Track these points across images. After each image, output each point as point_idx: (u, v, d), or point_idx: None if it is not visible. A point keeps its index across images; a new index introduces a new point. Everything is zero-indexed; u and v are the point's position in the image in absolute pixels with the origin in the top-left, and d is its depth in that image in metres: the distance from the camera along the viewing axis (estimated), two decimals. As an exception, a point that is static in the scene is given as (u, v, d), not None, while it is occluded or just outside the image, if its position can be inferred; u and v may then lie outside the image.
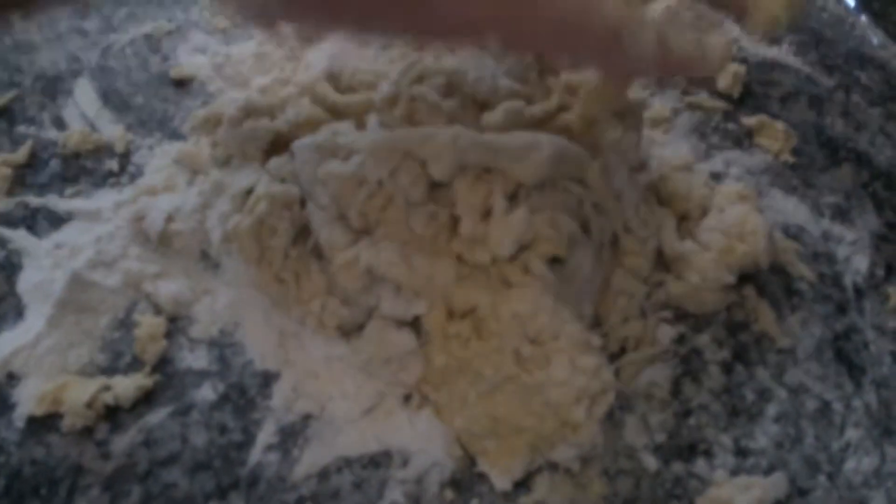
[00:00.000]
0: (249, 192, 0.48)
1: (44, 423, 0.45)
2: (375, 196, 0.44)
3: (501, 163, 0.44)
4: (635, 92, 0.50)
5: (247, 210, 0.47)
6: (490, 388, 0.43)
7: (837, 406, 0.47)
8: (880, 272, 0.53)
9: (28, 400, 0.45)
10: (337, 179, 0.45)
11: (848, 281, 0.53)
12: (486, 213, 0.44)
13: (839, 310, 0.51)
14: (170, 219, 0.50)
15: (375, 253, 0.44)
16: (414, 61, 0.48)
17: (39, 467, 0.43)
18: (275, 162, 0.48)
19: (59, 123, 0.58)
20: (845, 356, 0.49)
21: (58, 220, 0.53)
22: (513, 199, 0.44)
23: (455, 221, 0.44)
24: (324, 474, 0.44)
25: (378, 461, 0.44)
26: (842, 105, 0.62)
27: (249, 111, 0.49)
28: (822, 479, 0.45)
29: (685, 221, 0.50)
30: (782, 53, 0.65)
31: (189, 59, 0.62)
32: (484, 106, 0.47)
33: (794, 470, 0.45)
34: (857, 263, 0.53)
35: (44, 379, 0.46)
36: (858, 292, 0.52)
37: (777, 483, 0.43)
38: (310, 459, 0.44)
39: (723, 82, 0.62)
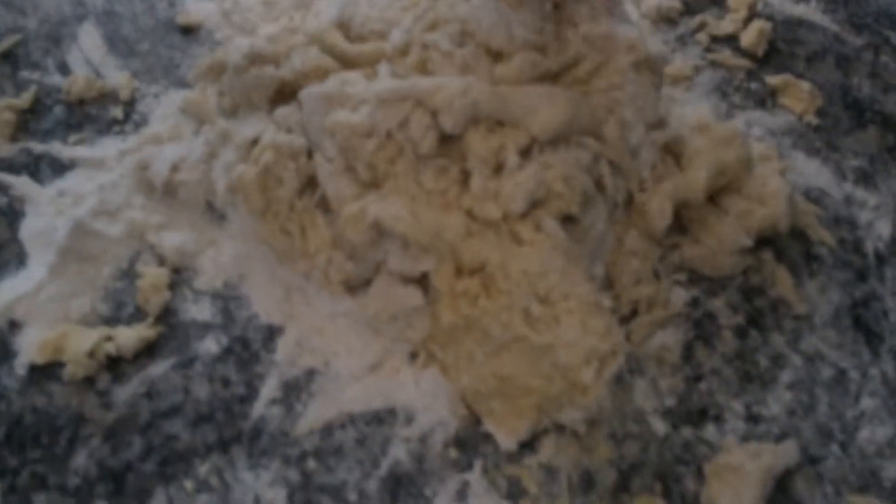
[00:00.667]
0: (255, 141, 0.47)
1: (45, 372, 0.44)
2: (384, 148, 0.43)
3: (515, 116, 0.43)
4: (655, 46, 0.48)
5: (252, 160, 0.45)
6: (497, 348, 0.42)
7: (853, 374, 0.46)
8: (903, 239, 0.52)
9: (29, 348, 0.45)
10: (345, 130, 0.43)
11: (869, 247, 0.51)
12: (498, 169, 0.43)
13: (859, 276, 0.50)
14: (175, 168, 0.49)
15: (383, 206, 0.42)
16: (426, 8, 0.46)
17: (40, 416, 0.43)
18: (281, 111, 0.47)
19: (64, 69, 0.57)
20: (863, 324, 0.48)
21: (61, 168, 0.52)
22: (526, 154, 0.43)
23: (466, 176, 0.43)
24: (327, 430, 0.43)
25: (382, 418, 0.44)
26: (870, 65, 0.60)
27: (254, 59, 0.47)
28: (834, 447, 0.44)
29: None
30: (810, 10, 0.63)
31: (196, 5, 0.61)
32: (498, 56, 0.45)
33: (807, 438, 0.44)
34: (880, 229, 0.52)
35: (45, 327, 0.45)
36: (880, 259, 0.51)
37: (788, 450, 0.43)
38: (313, 414, 0.44)
39: (747, 40, 0.60)
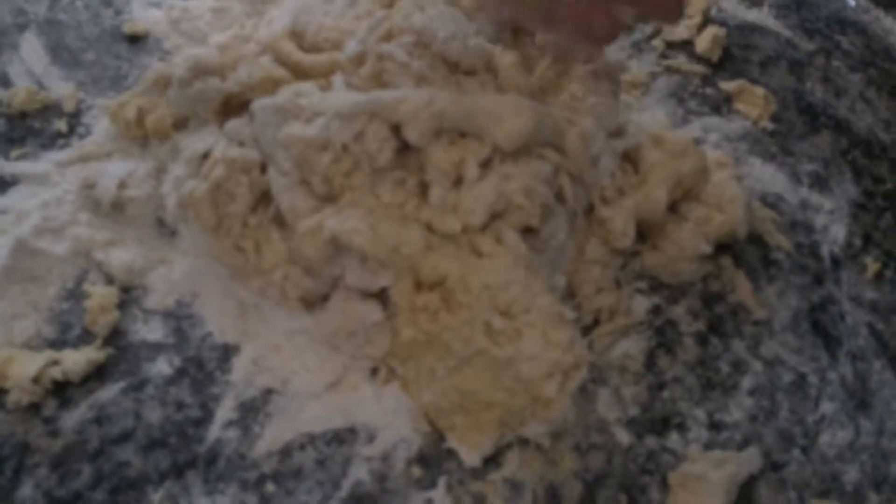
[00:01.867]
0: (206, 155, 0.45)
1: (-12, 399, 0.42)
2: (340, 161, 0.42)
3: (479, 126, 0.42)
4: (613, 54, 0.48)
5: (203, 175, 0.44)
6: (459, 362, 0.41)
7: (813, 379, 0.47)
8: (858, 242, 0.52)
9: (-30, 374, 0.43)
10: (299, 143, 0.42)
11: (825, 251, 0.52)
12: (458, 181, 0.42)
13: (816, 280, 0.50)
14: (122, 185, 0.47)
15: (340, 221, 0.41)
16: (381, 18, 0.45)
17: (-17, 445, 0.41)
18: (233, 124, 0.45)
19: (5, 80, 0.55)
20: (821, 328, 0.48)
21: (3, 184, 0.50)
22: (486, 165, 0.42)
23: (424, 188, 0.42)
24: (286, 451, 0.42)
25: (342, 437, 0.43)
26: (822, 70, 0.61)
27: (199, 71, 0.46)
28: (796, 452, 0.44)
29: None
30: (762, 16, 0.64)
31: (143, 14, 0.59)
32: (455, 67, 0.44)
33: (769, 443, 0.44)
34: (835, 233, 0.52)
35: (-13, 352, 0.43)
36: (836, 262, 0.51)
37: (751, 457, 0.43)
38: (271, 436, 0.42)
39: (701, 45, 0.60)
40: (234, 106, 0.46)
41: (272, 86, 0.47)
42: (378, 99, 0.42)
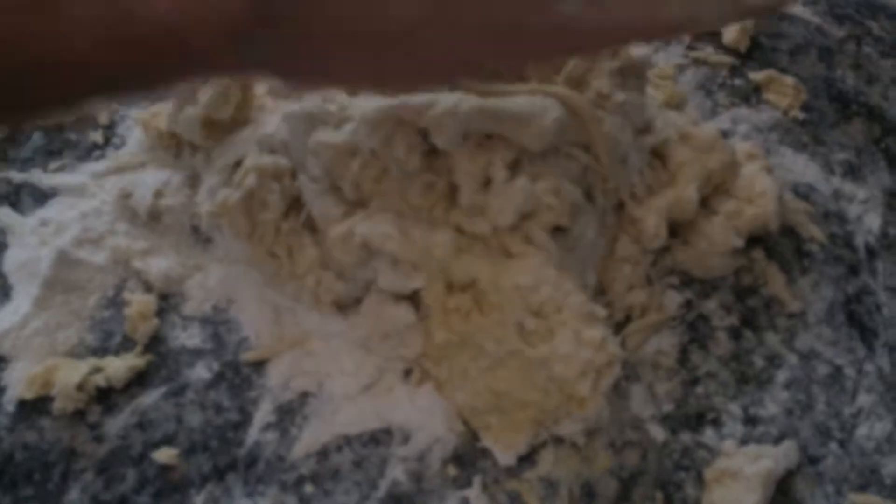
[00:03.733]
0: (238, 164, 0.46)
1: (35, 407, 0.44)
2: (369, 166, 0.42)
3: (506, 129, 0.42)
4: (638, 49, 0.48)
5: (235, 183, 0.45)
6: (492, 363, 0.41)
7: (849, 371, 0.46)
8: (893, 231, 0.51)
9: (17, 383, 0.44)
10: (329, 150, 0.43)
11: (860, 241, 0.51)
12: (486, 182, 0.42)
13: (851, 271, 0.50)
14: (158, 194, 0.48)
15: (371, 226, 0.42)
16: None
17: (32, 452, 0.42)
18: (264, 132, 0.46)
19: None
20: (857, 319, 0.48)
21: (42, 196, 0.51)
22: (514, 166, 0.42)
23: (453, 190, 0.43)
24: (323, 453, 0.43)
25: (378, 438, 0.43)
26: (853, 57, 0.60)
27: (183, 100, 0.47)
28: (833, 446, 0.44)
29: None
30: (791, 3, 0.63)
31: (173, 24, 0.60)
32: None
33: (805, 437, 0.44)
34: (870, 223, 0.52)
35: (33, 361, 0.45)
36: (871, 253, 0.50)
37: (787, 452, 0.42)
38: (309, 438, 0.43)
39: (729, 36, 0.59)
40: (220, 129, 0.47)
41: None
42: (405, 104, 0.42)
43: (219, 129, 0.47)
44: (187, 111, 0.46)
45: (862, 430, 0.44)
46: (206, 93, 0.46)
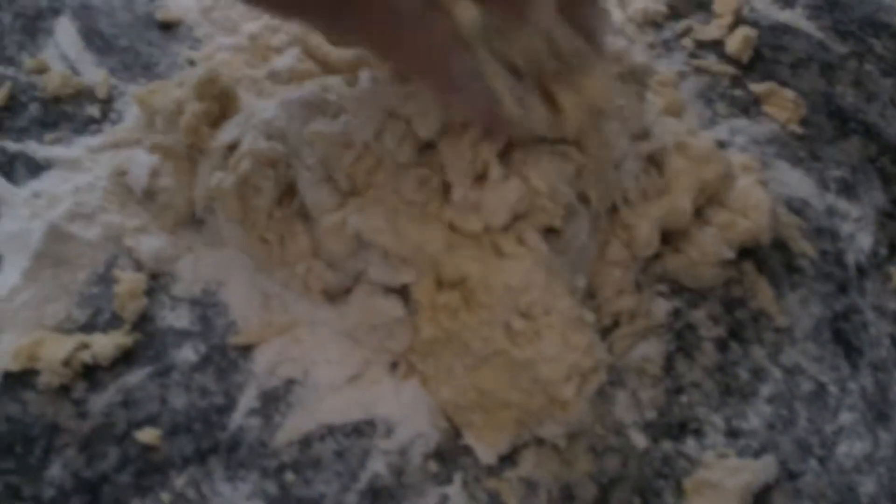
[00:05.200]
0: (233, 147, 0.46)
1: (20, 380, 0.43)
2: (363, 158, 0.42)
3: None
4: (641, 55, 0.48)
5: (230, 167, 0.45)
6: (478, 361, 0.41)
7: (833, 388, 0.46)
8: (884, 251, 0.52)
9: (3, 355, 0.44)
10: (323, 140, 0.42)
11: (850, 259, 0.51)
12: (479, 178, 0.42)
13: (840, 289, 0.50)
14: (154, 173, 0.48)
15: (363, 218, 0.42)
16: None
17: (15, 425, 0.42)
18: (261, 116, 0.46)
19: (40, 65, 0.55)
20: (843, 337, 0.48)
21: (36, 168, 0.51)
22: (505, 157, 0.42)
23: (447, 187, 0.43)
24: (306, 441, 0.43)
25: (361, 430, 0.43)
26: (854, 74, 0.60)
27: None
28: (813, 462, 0.44)
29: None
30: (795, 16, 0.63)
31: (176, 1, 0.59)
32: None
33: (786, 452, 0.44)
34: (861, 241, 0.52)
35: (20, 334, 0.44)
36: (860, 271, 0.51)
37: (767, 466, 0.43)
38: (292, 426, 0.43)
39: (732, 46, 0.59)
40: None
41: (300, 78, 0.47)
42: (388, 94, 0.42)
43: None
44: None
45: (842, 448, 0.45)
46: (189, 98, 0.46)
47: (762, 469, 0.42)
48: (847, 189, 0.54)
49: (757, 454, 0.44)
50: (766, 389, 0.46)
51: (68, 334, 0.45)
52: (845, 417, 0.45)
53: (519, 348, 0.41)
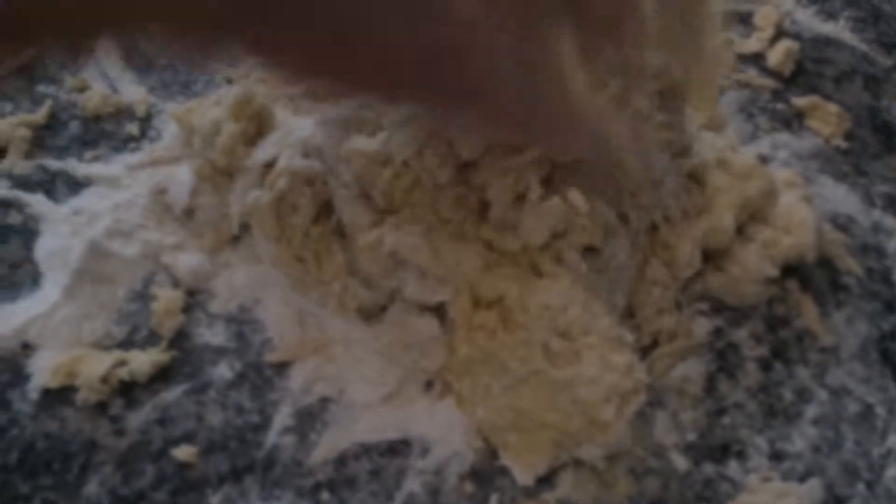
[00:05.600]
0: (270, 164, 0.46)
1: (58, 396, 0.44)
2: (400, 176, 0.42)
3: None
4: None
5: (267, 185, 0.45)
6: (515, 382, 0.41)
7: (880, 410, 0.45)
8: (932, 269, 0.50)
9: (42, 371, 0.44)
10: (361, 157, 0.42)
11: (898, 277, 0.50)
12: (518, 198, 0.42)
13: (887, 308, 0.48)
14: (193, 192, 0.49)
15: (400, 236, 0.42)
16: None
17: (53, 441, 0.43)
18: (297, 135, 0.46)
19: (80, 84, 0.56)
20: (891, 357, 0.47)
21: (76, 185, 0.51)
22: (547, 183, 0.42)
23: (484, 205, 0.42)
24: (341, 460, 0.43)
25: (396, 449, 0.43)
26: (900, 87, 0.59)
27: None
28: (860, 486, 0.43)
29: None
30: (838, 29, 0.61)
31: (214, 20, 0.60)
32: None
33: (832, 476, 0.43)
34: (909, 258, 0.50)
35: (59, 350, 0.45)
36: (908, 289, 0.49)
37: (812, 490, 0.41)
38: (327, 444, 0.43)
39: (773, 59, 0.58)
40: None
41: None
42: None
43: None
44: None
45: (890, 472, 0.43)
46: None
47: (807, 493, 0.41)
48: (893, 205, 0.53)
49: (802, 478, 0.42)
50: (811, 411, 0.45)
51: (106, 351, 0.45)
52: (894, 440, 0.44)
53: (557, 369, 0.40)
